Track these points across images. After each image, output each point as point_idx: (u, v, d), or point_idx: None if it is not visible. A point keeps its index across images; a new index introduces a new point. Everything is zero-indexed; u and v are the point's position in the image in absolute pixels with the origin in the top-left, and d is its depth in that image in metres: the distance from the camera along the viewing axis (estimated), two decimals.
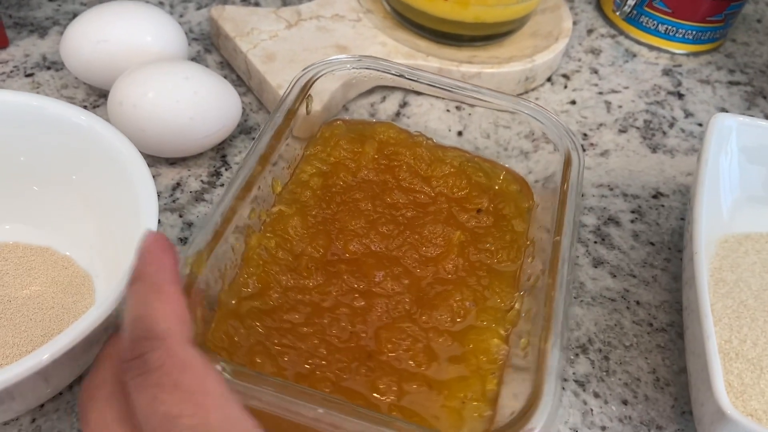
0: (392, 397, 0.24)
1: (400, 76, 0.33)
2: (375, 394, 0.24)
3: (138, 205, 0.25)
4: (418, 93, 0.39)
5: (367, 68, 0.33)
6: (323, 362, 0.24)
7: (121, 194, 0.27)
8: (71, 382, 0.26)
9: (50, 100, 0.28)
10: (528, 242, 0.31)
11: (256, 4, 0.47)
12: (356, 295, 0.26)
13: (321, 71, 0.32)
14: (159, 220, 0.33)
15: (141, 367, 0.18)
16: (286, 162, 0.31)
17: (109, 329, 0.23)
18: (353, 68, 0.33)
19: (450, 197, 0.32)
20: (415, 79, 0.33)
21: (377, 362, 0.24)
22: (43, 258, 0.29)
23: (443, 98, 0.35)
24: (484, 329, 0.26)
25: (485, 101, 0.33)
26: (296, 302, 0.26)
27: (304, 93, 0.31)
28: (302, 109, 0.31)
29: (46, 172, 0.30)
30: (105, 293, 0.25)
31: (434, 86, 0.33)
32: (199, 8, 0.45)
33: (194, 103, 0.33)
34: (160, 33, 0.36)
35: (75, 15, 0.42)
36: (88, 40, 0.35)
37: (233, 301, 0.25)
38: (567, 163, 0.30)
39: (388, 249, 0.28)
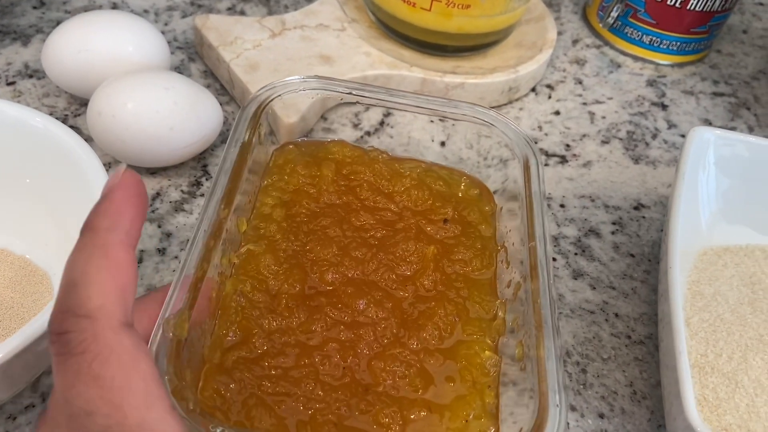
0: (397, 429, 0.23)
1: (348, 93, 0.32)
2: (379, 429, 0.23)
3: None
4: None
5: (314, 89, 0.32)
6: (322, 405, 0.23)
7: (77, 194, 0.27)
8: (32, 383, 0.26)
9: (6, 104, 0.28)
10: (499, 247, 0.31)
11: (242, 13, 0.47)
12: (342, 328, 0.26)
13: (269, 96, 0.31)
14: None
15: (63, 346, 0.17)
16: (247, 196, 0.29)
17: None
18: (301, 90, 0.32)
19: (415, 211, 0.32)
20: (363, 95, 0.32)
21: (375, 395, 0.24)
22: (0, 259, 0.29)
23: (399, 110, 0.35)
24: (472, 342, 0.26)
25: (437, 110, 0.33)
26: (282, 345, 0.25)
27: (256, 122, 0.29)
28: (255, 139, 0.29)
29: (1, 173, 0.29)
30: None
31: (383, 100, 0.32)
32: (184, 17, 0.45)
33: (174, 113, 0.33)
34: (141, 42, 0.36)
35: (59, 22, 0.42)
36: (69, 49, 0.35)
37: (217, 355, 0.24)
38: (526, 168, 0.30)
39: (365, 274, 0.28)
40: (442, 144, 0.40)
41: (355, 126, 0.40)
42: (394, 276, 0.28)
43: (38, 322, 0.22)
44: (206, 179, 0.36)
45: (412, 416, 0.24)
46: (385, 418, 0.23)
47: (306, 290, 0.27)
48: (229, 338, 0.25)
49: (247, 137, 0.28)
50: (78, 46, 0.35)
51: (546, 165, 0.41)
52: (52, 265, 0.29)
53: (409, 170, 0.34)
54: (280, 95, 0.31)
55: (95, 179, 0.26)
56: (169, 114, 0.32)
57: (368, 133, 0.40)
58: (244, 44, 0.40)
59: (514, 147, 0.32)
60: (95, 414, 0.17)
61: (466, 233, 0.31)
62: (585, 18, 0.53)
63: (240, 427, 0.22)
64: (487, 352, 0.26)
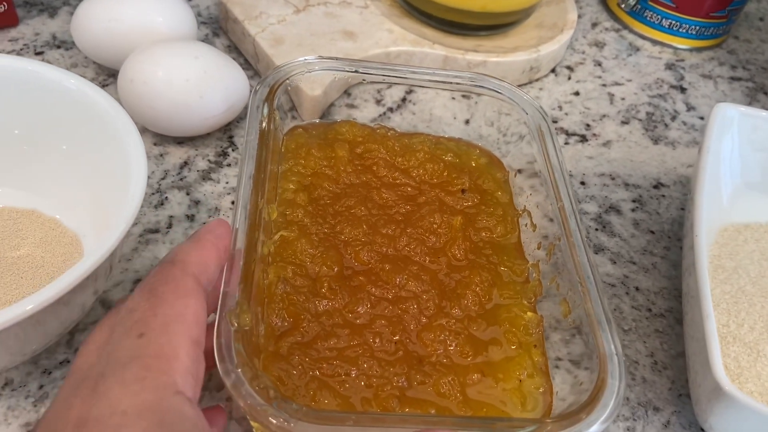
0: (458, 395, 0.24)
1: (355, 72, 0.33)
2: (441, 397, 0.24)
3: (128, 169, 0.26)
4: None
5: (324, 69, 0.32)
6: (381, 380, 0.24)
7: (110, 157, 0.27)
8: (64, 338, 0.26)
9: (45, 66, 0.29)
10: (520, 212, 0.31)
11: None
12: (386, 304, 0.26)
13: (278, 79, 0.31)
14: (166, 196, 0.33)
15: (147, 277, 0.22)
16: (270, 183, 0.29)
17: (98, 282, 0.24)
18: (307, 72, 0.32)
19: (432, 183, 0.32)
20: (368, 72, 0.33)
21: (430, 365, 0.25)
22: (30, 220, 0.30)
23: (404, 84, 0.35)
24: (511, 305, 0.27)
25: (445, 83, 0.34)
26: (332, 326, 0.25)
27: (271, 106, 0.30)
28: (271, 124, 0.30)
29: (35, 136, 0.30)
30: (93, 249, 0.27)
31: (390, 76, 0.33)
32: None
33: (203, 82, 0.33)
34: (170, 14, 0.36)
35: None
36: (98, 18, 0.35)
37: (272, 343, 0.24)
38: (540, 132, 0.31)
39: (397, 249, 0.28)
40: (466, 122, 0.40)
41: (378, 102, 0.41)
42: (425, 249, 0.29)
43: (72, 275, 0.22)
44: (232, 150, 0.36)
45: (468, 382, 0.24)
46: (444, 386, 0.24)
47: (344, 271, 0.27)
48: (280, 325, 0.25)
49: (265, 127, 0.29)
50: (108, 15, 0.35)
51: (566, 144, 0.41)
52: (82, 227, 0.30)
53: (419, 145, 0.34)
54: (294, 75, 0.31)
55: (129, 142, 0.27)
56: (199, 82, 0.33)
57: (390, 110, 0.41)
58: (268, 19, 0.41)
59: (529, 119, 0.33)
60: (135, 310, 0.20)
61: (485, 201, 0.32)
62: (604, 1, 0.53)
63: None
64: (528, 313, 0.26)
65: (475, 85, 0.34)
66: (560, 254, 0.27)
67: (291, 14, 0.41)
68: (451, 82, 0.34)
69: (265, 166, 0.27)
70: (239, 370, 0.20)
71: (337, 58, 0.33)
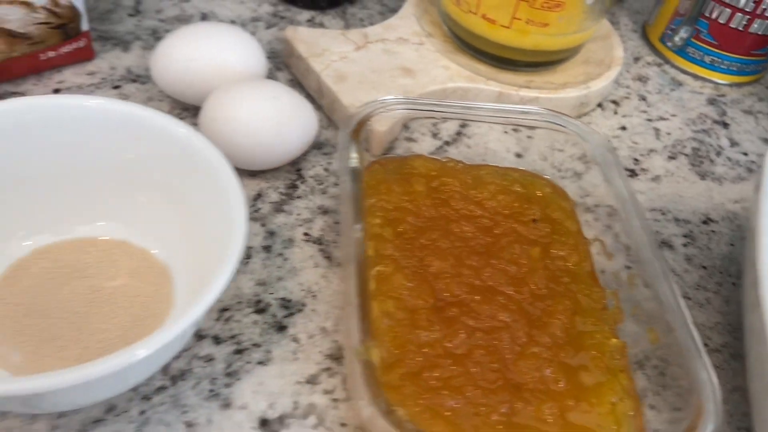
0: (560, 420, 0.25)
1: (432, 110, 0.35)
2: (543, 423, 0.25)
3: (228, 210, 0.27)
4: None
5: (407, 109, 0.35)
6: (487, 408, 0.25)
7: (205, 196, 0.29)
8: (172, 373, 0.28)
9: (153, 112, 0.30)
10: (592, 240, 0.33)
11: (321, 25, 0.49)
12: (481, 335, 0.27)
13: (361, 118, 0.33)
14: None
15: None
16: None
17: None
18: (387, 111, 0.34)
19: (505, 214, 0.34)
20: (449, 111, 0.35)
21: (529, 392, 0.26)
22: (122, 250, 0.31)
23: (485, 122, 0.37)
24: (594, 332, 0.28)
25: (512, 118, 0.36)
26: (435, 357, 0.26)
27: (360, 149, 0.31)
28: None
29: (132, 173, 0.31)
30: (185, 283, 0.29)
31: (458, 113, 0.36)
32: (268, 27, 0.48)
33: (282, 121, 0.35)
34: (243, 52, 0.38)
35: (154, 30, 0.45)
36: (178, 58, 0.37)
37: (385, 376, 0.25)
38: (607, 163, 0.33)
39: (483, 281, 0.30)
40: (518, 155, 0.42)
41: (434, 135, 0.42)
42: (508, 279, 0.30)
43: (187, 319, 0.24)
44: (301, 182, 0.38)
45: (566, 407, 0.26)
46: (546, 412, 0.25)
47: (438, 303, 0.28)
48: (388, 357, 0.26)
49: (361, 166, 0.30)
50: (186, 55, 0.37)
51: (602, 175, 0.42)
52: (171, 260, 0.31)
53: (487, 176, 0.36)
54: (376, 114, 0.33)
55: (229, 185, 0.28)
56: (278, 121, 0.35)
57: (447, 143, 0.42)
58: (331, 56, 0.43)
59: (594, 150, 0.34)
60: None
61: (556, 230, 0.33)
62: (645, 36, 0.54)
63: None
64: (613, 339, 0.28)
65: (546, 121, 0.35)
66: (639, 282, 0.28)
67: (352, 51, 0.43)
68: (521, 117, 0.35)
69: (363, 205, 0.29)
70: (373, 405, 0.22)
71: (414, 99, 0.35)
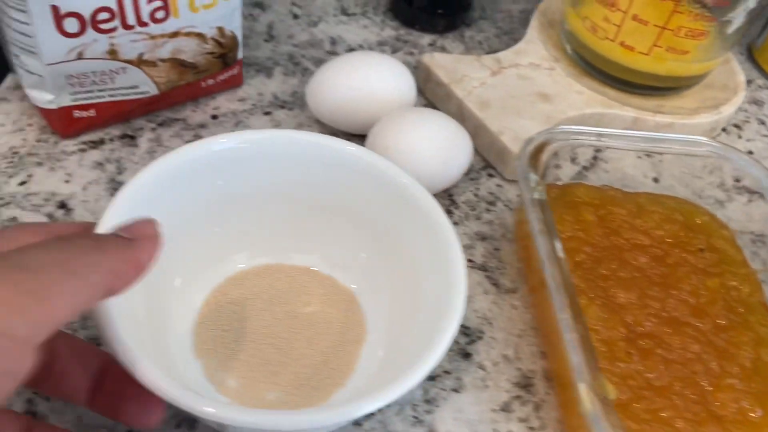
0: None
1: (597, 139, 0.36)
2: None
3: (447, 267, 0.27)
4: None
5: (572, 140, 0.35)
6: None
7: (423, 243, 0.29)
8: None
9: (366, 152, 0.32)
10: (759, 270, 0.33)
11: (443, 49, 0.50)
12: (677, 366, 0.28)
13: (534, 147, 0.33)
14: None
15: None
16: None
17: None
18: (563, 141, 0.35)
19: (670, 243, 0.34)
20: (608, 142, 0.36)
21: (731, 423, 0.27)
22: (310, 277, 0.32)
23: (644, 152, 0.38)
24: None
25: (679, 148, 0.36)
26: (638, 389, 0.27)
27: (540, 179, 0.32)
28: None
29: (330, 205, 0.32)
30: (373, 310, 0.31)
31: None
32: (394, 51, 0.49)
33: (447, 151, 0.36)
34: (396, 80, 0.39)
35: (291, 56, 0.46)
36: (336, 87, 0.38)
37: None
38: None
39: (668, 312, 0.30)
40: (655, 180, 0.42)
41: (572, 160, 0.43)
42: (690, 310, 0.31)
43: (423, 369, 0.24)
44: (454, 208, 0.39)
45: None
46: None
47: (628, 334, 0.29)
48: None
49: (538, 195, 0.31)
50: (345, 84, 0.38)
51: (749, 202, 0.43)
52: (356, 285, 0.32)
53: (648, 205, 0.36)
54: (552, 143, 0.34)
55: (447, 238, 0.28)
56: (444, 151, 0.35)
57: (585, 168, 0.43)
58: (471, 82, 0.43)
59: (756, 179, 0.35)
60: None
61: (724, 260, 0.33)
62: (752, 59, 0.55)
63: None
64: None
65: (713, 153, 0.36)
66: None
67: (488, 77, 0.44)
68: (695, 149, 0.36)
69: (552, 237, 0.30)
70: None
71: (578, 128, 0.36)
